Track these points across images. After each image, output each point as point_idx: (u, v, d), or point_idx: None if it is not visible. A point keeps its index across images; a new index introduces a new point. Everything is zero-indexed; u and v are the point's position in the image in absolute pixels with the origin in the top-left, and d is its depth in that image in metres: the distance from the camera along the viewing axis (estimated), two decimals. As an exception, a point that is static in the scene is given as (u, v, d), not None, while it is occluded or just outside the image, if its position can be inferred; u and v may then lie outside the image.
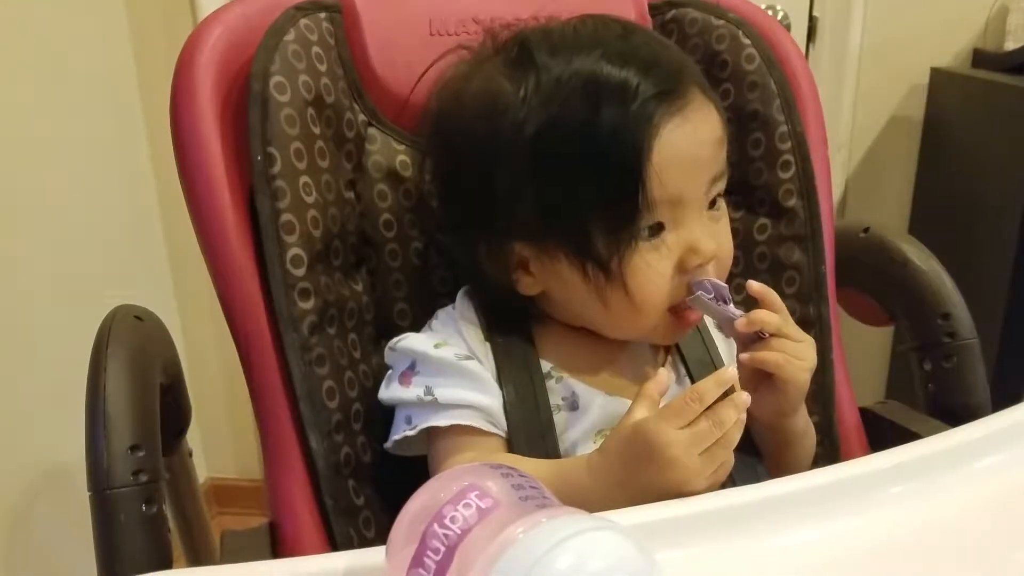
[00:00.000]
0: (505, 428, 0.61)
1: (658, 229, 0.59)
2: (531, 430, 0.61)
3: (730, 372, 0.53)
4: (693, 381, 0.66)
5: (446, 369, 0.61)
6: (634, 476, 0.52)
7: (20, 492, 1.15)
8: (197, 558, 0.84)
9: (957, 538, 0.50)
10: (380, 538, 0.64)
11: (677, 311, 0.61)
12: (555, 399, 0.62)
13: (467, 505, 0.38)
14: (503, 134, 0.58)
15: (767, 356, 0.58)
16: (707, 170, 0.59)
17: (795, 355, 0.59)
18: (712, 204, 0.61)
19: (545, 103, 0.57)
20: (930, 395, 0.76)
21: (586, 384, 0.63)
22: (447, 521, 0.38)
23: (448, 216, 0.68)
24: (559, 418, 0.62)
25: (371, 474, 0.65)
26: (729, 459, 0.53)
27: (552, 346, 0.65)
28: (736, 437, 0.52)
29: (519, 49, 0.60)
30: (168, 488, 0.70)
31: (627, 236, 0.57)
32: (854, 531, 0.50)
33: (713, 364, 0.67)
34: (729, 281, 0.75)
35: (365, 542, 0.63)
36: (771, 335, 0.59)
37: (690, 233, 0.59)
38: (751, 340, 0.60)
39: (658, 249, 0.59)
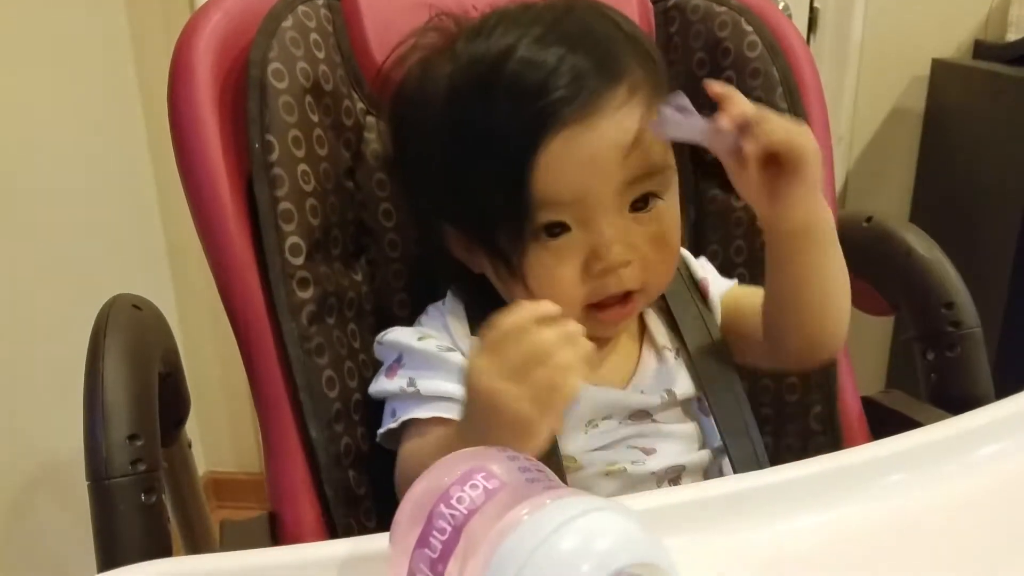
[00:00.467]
0: None
1: (560, 230, 0.57)
2: None
3: (547, 305, 0.48)
4: (694, 365, 0.65)
5: (429, 361, 0.60)
6: (474, 422, 0.50)
7: (19, 483, 1.15)
8: (196, 549, 0.84)
9: (958, 526, 0.50)
10: (381, 528, 0.63)
11: (591, 311, 0.59)
12: None
13: (474, 486, 0.38)
14: (428, 118, 0.58)
15: (771, 129, 0.52)
16: (613, 173, 0.56)
17: (793, 126, 0.54)
18: (640, 206, 0.58)
19: (457, 83, 0.57)
20: (933, 385, 0.76)
21: None
22: (454, 501, 0.37)
23: (394, 188, 0.69)
24: None
25: (372, 464, 0.65)
26: (558, 382, 0.47)
27: None
28: (565, 358, 0.47)
29: (464, 25, 0.61)
30: (167, 479, 0.69)
31: (522, 231, 0.56)
32: (855, 518, 0.50)
33: (715, 348, 0.67)
34: (732, 270, 0.75)
35: (366, 532, 0.63)
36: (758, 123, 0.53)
37: (596, 236, 0.57)
38: (736, 150, 0.54)
39: (558, 250, 0.57)
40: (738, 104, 0.54)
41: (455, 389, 0.58)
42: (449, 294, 0.66)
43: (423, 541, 0.37)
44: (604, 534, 0.35)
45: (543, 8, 0.59)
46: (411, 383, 0.60)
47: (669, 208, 0.60)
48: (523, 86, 0.54)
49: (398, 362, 0.62)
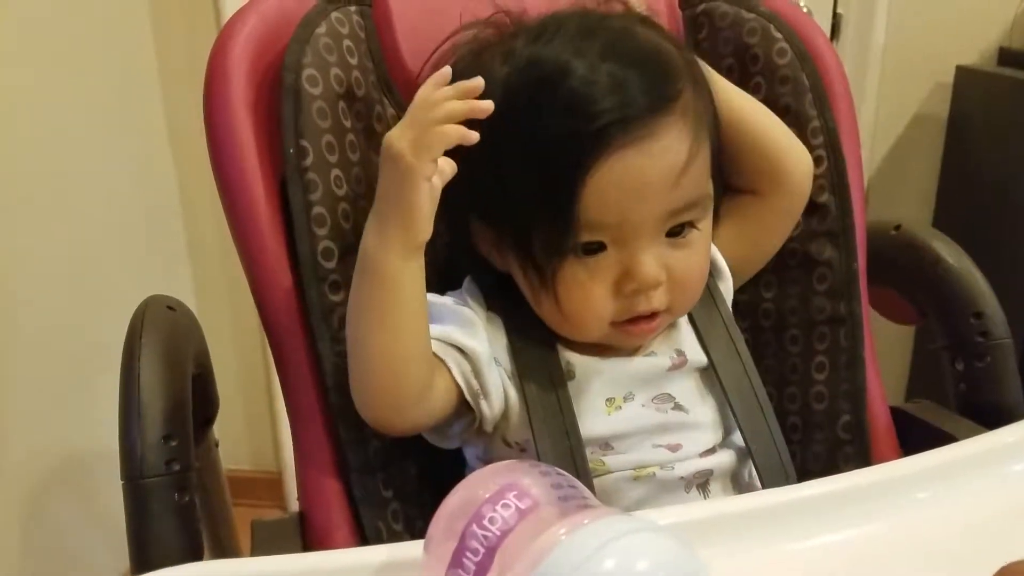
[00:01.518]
0: (478, 383, 0.60)
1: (597, 248, 0.58)
2: (547, 399, 0.61)
3: (445, 70, 0.54)
4: (709, 355, 0.65)
5: (440, 312, 0.62)
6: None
7: (39, 481, 1.16)
8: (220, 548, 0.84)
9: (988, 543, 0.50)
10: (408, 531, 0.64)
11: (618, 325, 0.61)
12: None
13: (506, 505, 0.38)
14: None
15: None
16: (660, 201, 0.57)
17: None
18: (677, 231, 0.60)
19: (513, 86, 0.57)
20: (962, 394, 0.75)
21: (581, 355, 0.63)
22: (486, 522, 0.38)
23: None
24: (565, 356, 0.63)
25: (399, 466, 0.65)
26: (433, 123, 0.52)
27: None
28: (446, 108, 0.52)
29: (511, 35, 0.61)
30: (195, 478, 0.70)
31: (561, 248, 0.57)
32: (884, 535, 0.50)
33: (730, 337, 0.67)
34: (759, 277, 0.75)
35: (393, 534, 0.63)
36: None
37: (630, 257, 0.58)
38: None
39: (593, 268, 0.58)
40: None
41: (456, 334, 0.60)
42: (467, 281, 0.66)
43: (456, 561, 0.38)
44: (645, 555, 0.35)
45: (603, 21, 0.59)
46: None
47: (703, 236, 0.62)
48: (579, 104, 0.54)
49: None
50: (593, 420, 0.62)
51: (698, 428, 0.64)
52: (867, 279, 0.75)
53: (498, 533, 0.37)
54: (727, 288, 0.71)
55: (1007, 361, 0.74)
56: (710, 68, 0.66)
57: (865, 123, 1.56)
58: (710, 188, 0.62)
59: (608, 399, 0.63)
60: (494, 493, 0.38)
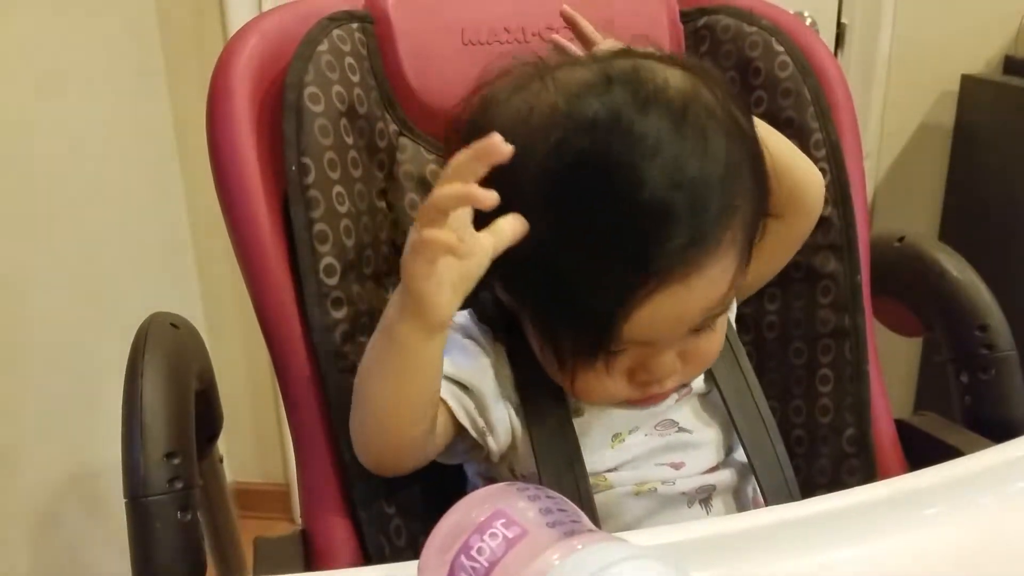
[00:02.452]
0: (483, 421, 0.59)
1: (618, 352, 0.56)
2: (553, 434, 0.60)
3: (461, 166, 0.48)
4: (713, 377, 0.65)
5: (448, 344, 0.58)
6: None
7: (50, 496, 1.16)
8: (225, 564, 0.85)
9: (995, 561, 0.49)
10: (411, 547, 0.64)
11: (635, 399, 0.60)
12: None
13: (493, 535, 0.38)
14: (516, 159, 0.50)
15: None
16: (693, 323, 0.55)
17: None
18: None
19: (558, 199, 0.50)
20: (967, 407, 0.75)
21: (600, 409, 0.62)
22: (474, 552, 0.38)
23: None
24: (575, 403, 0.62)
25: (402, 483, 0.65)
26: (427, 237, 0.47)
27: None
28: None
29: (560, 113, 0.51)
30: (199, 494, 0.70)
31: (591, 356, 0.54)
32: (890, 552, 0.50)
33: (733, 355, 0.66)
34: (763, 290, 0.75)
35: (396, 551, 0.63)
36: None
37: (649, 356, 0.56)
38: None
39: (611, 363, 0.56)
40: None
41: (459, 371, 0.59)
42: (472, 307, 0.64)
43: None
44: None
45: (661, 95, 0.51)
46: None
47: (724, 318, 0.59)
48: (647, 228, 0.49)
49: None
50: (600, 455, 0.61)
51: (701, 447, 0.64)
52: (872, 291, 0.75)
53: (486, 564, 0.37)
54: (731, 306, 0.70)
55: (1012, 374, 0.73)
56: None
57: (870, 133, 1.55)
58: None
59: (615, 435, 0.62)
60: (482, 522, 0.38)
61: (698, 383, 0.66)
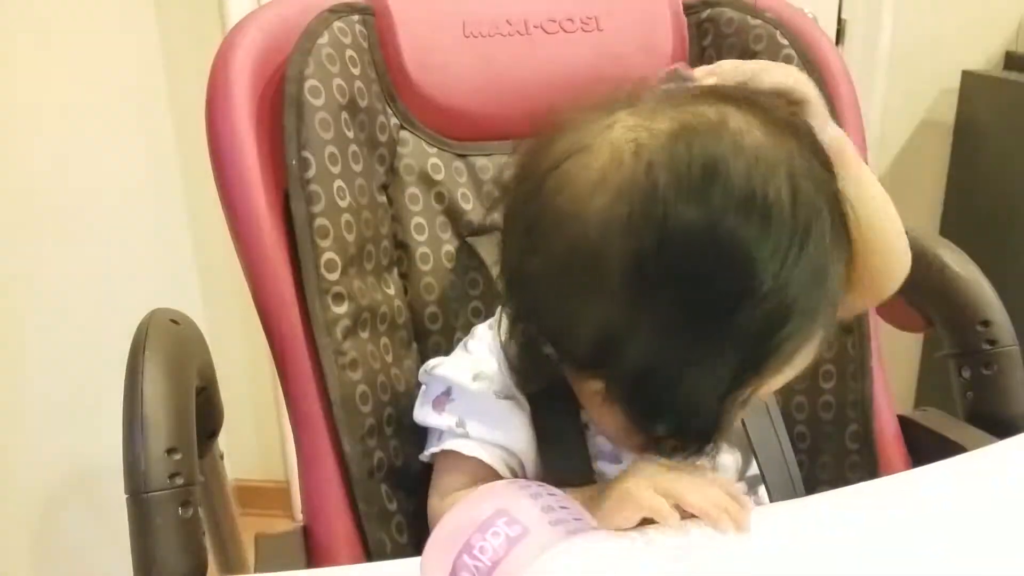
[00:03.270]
0: (526, 471, 0.59)
1: None
2: (570, 478, 0.56)
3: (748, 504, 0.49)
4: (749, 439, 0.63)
5: (482, 405, 0.58)
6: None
7: (52, 494, 1.16)
8: (226, 561, 0.84)
9: (998, 558, 0.49)
10: (413, 543, 0.64)
11: None
12: (592, 450, 0.59)
13: (495, 534, 0.38)
14: (607, 290, 0.47)
15: (773, 74, 0.53)
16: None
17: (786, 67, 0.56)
18: None
19: (667, 306, 0.46)
20: (969, 403, 0.75)
21: (615, 465, 0.60)
22: (476, 552, 0.38)
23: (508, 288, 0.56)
24: (599, 467, 0.59)
25: (403, 479, 0.65)
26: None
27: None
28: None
29: (657, 197, 0.45)
30: (200, 491, 0.70)
31: (691, 452, 0.52)
32: (891, 548, 0.49)
33: (771, 421, 0.65)
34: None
35: (397, 547, 0.63)
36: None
37: None
38: None
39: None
40: (730, 68, 0.54)
41: (504, 438, 0.58)
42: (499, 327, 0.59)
43: None
44: None
45: (776, 233, 0.45)
46: (460, 424, 0.59)
47: None
48: (751, 327, 0.45)
49: (447, 395, 0.60)
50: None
51: (718, 470, 0.63)
52: (873, 287, 0.74)
53: (488, 563, 0.37)
54: None
55: (1014, 369, 0.73)
56: (856, 157, 0.59)
57: (871, 129, 1.55)
58: None
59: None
60: (484, 520, 0.38)
61: None
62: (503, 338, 0.57)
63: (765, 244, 0.44)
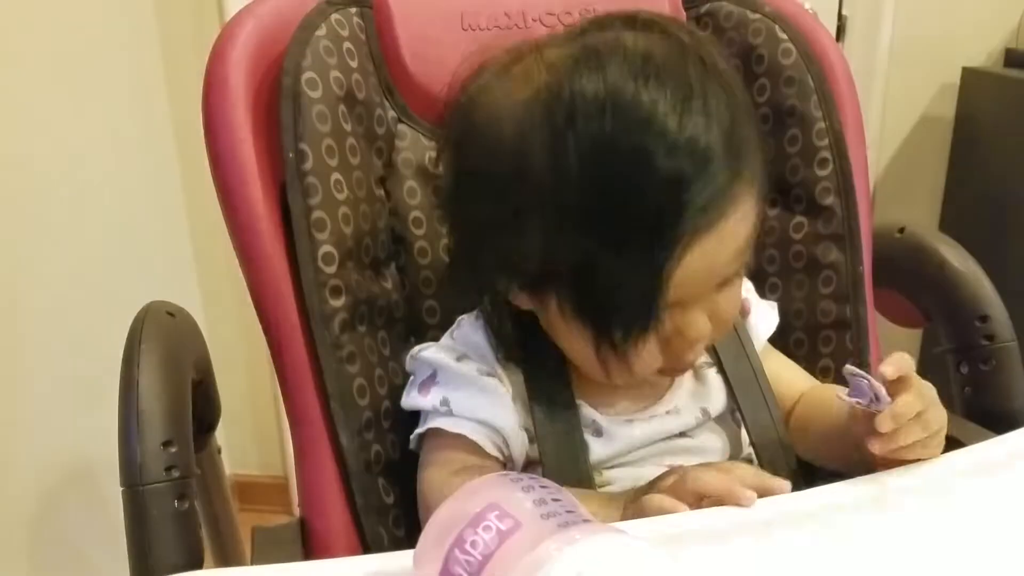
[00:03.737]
0: (508, 451, 0.60)
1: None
2: (562, 452, 0.60)
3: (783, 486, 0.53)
4: (736, 398, 0.65)
5: (465, 383, 0.61)
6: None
7: (48, 488, 1.16)
8: (224, 555, 0.84)
9: (996, 553, 0.49)
10: (409, 536, 0.64)
11: (664, 371, 0.59)
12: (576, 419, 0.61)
13: (487, 528, 0.37)
14: (530, 180, 0.51)
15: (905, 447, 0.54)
16: (723, 276, 0.55)
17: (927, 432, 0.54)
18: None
19: (578, 171, 0.49)
20: (967, 398, 0.75)
21: (607, 415, 0.62)
22: (467, 546, 0.37)
23: (448, 211, 0.63)
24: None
25: (400, 472, 0.65)
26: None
27: (573, 372, 0.62)
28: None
29: (560, 86, 0.50)
30: (197, 484, 0.70)
31: (644, 330, 0.53)
32: (891, 544, 0.49)
33: (751, 366, 0.66)
34: (764, 280, 0.75)
35: (395, 540, 0.63)
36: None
37: (682, 319, 0.55)
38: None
39: (650, 337, 0.55)
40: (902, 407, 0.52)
41: (488, 414, 0.59)
42: (480, 323, 0.64)
43: None
44: (636, 573, 0.34)
45: (666, 84, 0.49)
46: (444, 402, 0.60)
47: (741, 276, 0.59)
48: (663, 191, 0.49)
49: (432, 379, 0.62)
50: (608, 473, 0.62)
51: (705, 454, 0.64)
52: (872, 282, 0.74)
53: (480, 557, 0.37)
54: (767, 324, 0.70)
55: (1013, 364, 0.73)
56: None
57: (871, 125, 1.55)
58: None
59: (624, 456, 0.62)
60: (476, 515, 0.38)
61: (717, 404, 0.65)
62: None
63: (661, 102, 0.49)
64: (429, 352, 0.63)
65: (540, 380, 0.61)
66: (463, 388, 0.60)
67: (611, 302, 0.53)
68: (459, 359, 0.61)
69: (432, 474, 0.61)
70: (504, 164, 0.52)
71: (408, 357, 0.65)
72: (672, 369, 0.60)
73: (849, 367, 0.54)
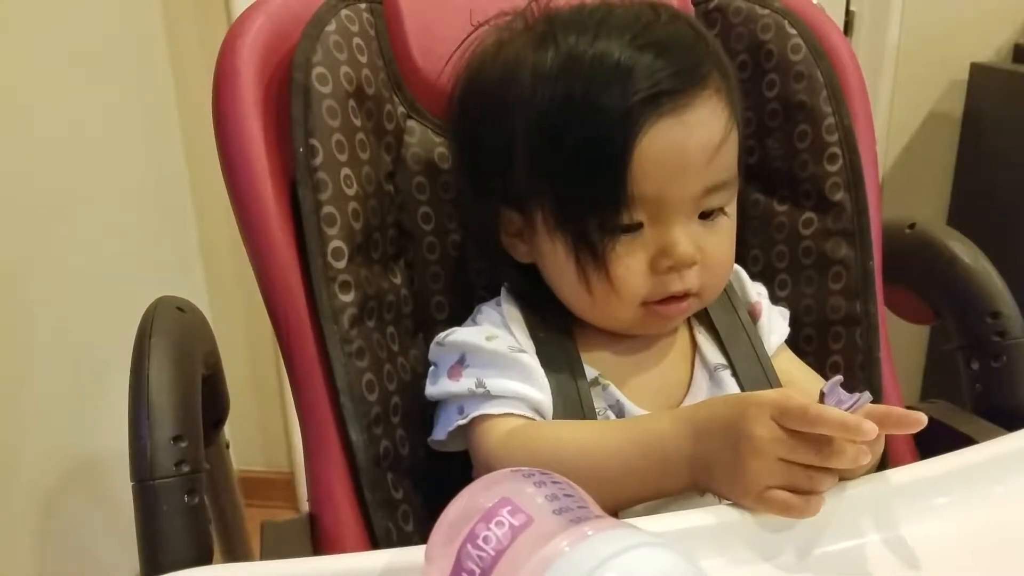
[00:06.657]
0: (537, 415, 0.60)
1: (638, 227, 0.58)
2: (571, 416, 0.60)
3: (869, 428, 0.44)
4: (740, 381, 0.65)
5: (498, 361, 0.60)
6: (704, 445, 0.50)
7: (53, 482, 1.16)
8: (232, 549, 0.84)
9: (1008, 551, 0.49)
10: (418, 531, 0.64)
11: (650, 306, 0.60)
12: (599, 404, 0.62)
13: (500, 523, 0.37)
14: (515, 102, 0.58)
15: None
16: (697, 177, 0.58)
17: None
18: (707, 215, 0.60)
19: (554, 79, 0.57)
20: (978, 395, 0.74)
21: (629, 398, 0.62)
22: (480, 541, 0.37)
23: (457, 176, 0.70)
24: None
25: (409, 468, 0.65)
26: (798, 503, 0.47)
27: (595, 350, 0.64)
28: (826, 484, 0.47)
29: (545, 25, 0.61)
30: (206, 479, 0.70)
31: (614, 228, 0.58)
32: (901, 542, 0.49)
33: (762, 367, 0.66)
34: (774, 276, 0.74)
35: (403, 535, 0.63)
36: None
37: (666, 235, 0.58)
38: None
39: (630, 245, 0.58)
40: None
41: (525, 389, 0.59)
42: (504, 295, 0.66)
43: None
44: (648, 570, 0.34)
45: (632, 13, 0.60)
46: (480, 383, 0.60)
47: (731, 223, 0.62)
48: (624, 79, 0.55)
49: (460, 363, 0.61)
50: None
51: None
52: (882, 278, 0.74)
53: (492, 553, 0.37)
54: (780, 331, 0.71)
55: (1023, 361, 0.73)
56: None
57: (879, 121, 1.54)
58: (736, 172, 0.61)
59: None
60: (488, 510, 0.38)
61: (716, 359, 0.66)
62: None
63: (632, 18, 0.58)
64: (456, 335, 0.63)
65: (555, 359, 0.62)
66: (496, 367, 0.60)
67: (585, 196, 0.57)
68: (488, 339, 0.62)
69: (495, 442, 0.59)
70: (496, 96, 0.60)
71: (433, 344, 0.64)
72: (657, 307, 0.60)
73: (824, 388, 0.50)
